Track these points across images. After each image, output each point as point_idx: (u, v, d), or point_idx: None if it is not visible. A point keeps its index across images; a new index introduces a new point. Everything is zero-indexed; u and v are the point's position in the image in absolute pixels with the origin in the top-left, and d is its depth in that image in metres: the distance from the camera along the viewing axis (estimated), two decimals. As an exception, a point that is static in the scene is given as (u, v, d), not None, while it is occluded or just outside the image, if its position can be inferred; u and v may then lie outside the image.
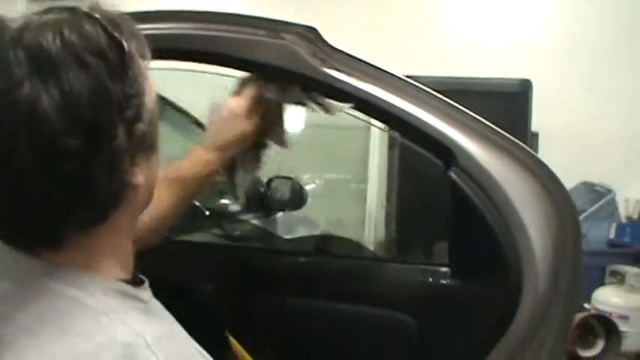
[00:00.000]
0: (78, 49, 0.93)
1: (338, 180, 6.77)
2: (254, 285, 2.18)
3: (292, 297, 2.10)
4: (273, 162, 5.56)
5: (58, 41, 0.92)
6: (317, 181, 6.24)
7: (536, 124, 5.83)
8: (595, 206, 5.69)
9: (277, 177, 4.00)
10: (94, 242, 1.03)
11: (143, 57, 1.05)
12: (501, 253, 1.67)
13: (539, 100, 5.75)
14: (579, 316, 4.20)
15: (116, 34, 0.99)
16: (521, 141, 5.19)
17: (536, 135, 5.97)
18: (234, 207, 4.14)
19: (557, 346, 1.73)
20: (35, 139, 0.89)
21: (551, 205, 1.67)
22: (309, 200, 4.39)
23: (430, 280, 1.92)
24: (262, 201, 3.94)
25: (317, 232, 4.84)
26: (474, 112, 4.98)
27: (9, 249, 1.03)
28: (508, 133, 5.26)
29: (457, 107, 1.73)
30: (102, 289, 1.00)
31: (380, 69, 1.81)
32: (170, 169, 1.73)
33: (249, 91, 1.81)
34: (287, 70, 1.81)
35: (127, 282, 1.07)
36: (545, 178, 1.68)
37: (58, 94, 0.89)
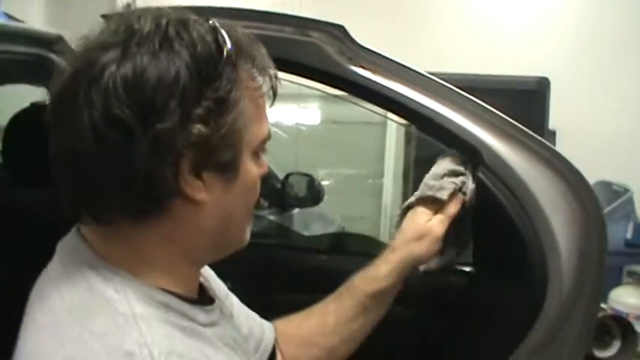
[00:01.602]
0: (170, 35, 0.98)
1: (354, 175, 6.78)
2: (271, 282, 2.19)
3: (311, 294, 2.11)
4: (291, 157, 5.58)
5: (153, 25, 0.99)
6: (333, 176, 6.25)
7: (553, 123, 5.83)
8: (612, 206, 5.66)
9: (294, 173, 4.01)
10: (143, 243, 1.05)
11: (253, 79, 1.10)
12: (527, 252, 1.67)
13: (556, 98, 5.75)
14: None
15: (223, 42, 1.03)
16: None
17: (553, 133, 5.96)
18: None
19: (578, 347, 1.74)
20: (97, 98, 0.94)
21: (577, 204, 1.67)
22: (325, 196, 4.41)
23: (454, 280, 1.93)
24: (279, 197, 3.95)
25: (333, 228, 4.86)
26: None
27: (75, 233, 1.09)
28: (526, 130, 5.24)
29: (483, 106, 1.73)
30: (136, 294, 1.02)
31: (407, 67, 1.81)
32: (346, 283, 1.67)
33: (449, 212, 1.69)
34: (314, 67, 1.81)
35: (181, 297, 1.09)
36: (571, 177, 1.68)
37: (132, 68, 0.95)
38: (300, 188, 3.95)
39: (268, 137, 1.16)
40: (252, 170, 1.12)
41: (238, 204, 1.12)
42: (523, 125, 5.35)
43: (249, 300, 2.18)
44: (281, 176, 4.02)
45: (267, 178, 4.03)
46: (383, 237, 6.60)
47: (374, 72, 1.77)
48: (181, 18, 1.03)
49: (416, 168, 5.71)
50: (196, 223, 1.07)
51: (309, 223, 4.34)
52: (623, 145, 6.21)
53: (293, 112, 6.22)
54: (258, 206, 1.20)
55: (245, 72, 1.07)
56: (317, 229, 4.52)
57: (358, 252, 2.64)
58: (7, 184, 2.72)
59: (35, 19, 5.96)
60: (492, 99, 5.67)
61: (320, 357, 1.61)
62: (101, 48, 0.97)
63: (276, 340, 1.57)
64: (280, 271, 2.22)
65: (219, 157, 1.04)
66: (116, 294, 1.01)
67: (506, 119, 1.72)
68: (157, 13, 1.02)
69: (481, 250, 1.84)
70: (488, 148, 1.69)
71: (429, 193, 1.67)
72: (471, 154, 1.72)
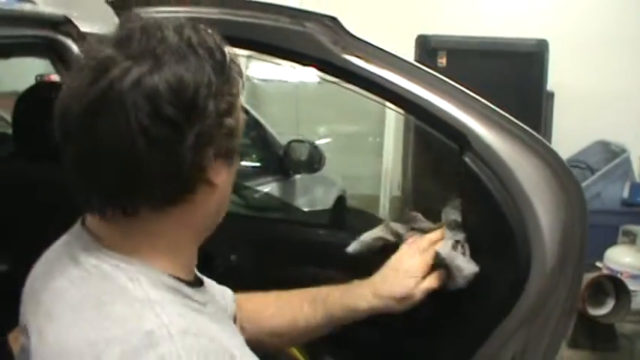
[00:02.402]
0: (193, 43, 1.11)
1: (355, 134, 6.83)
2: (274, 255, 2.28)
3: (309, 267, 2.20)
4: (291, 116, 5.63)
5: (177, 34, 1.11)
6: (334, 135, 6.31)
7: (552, 84, 5.89)
8: (609, 165, 5.74)
9: (295, 141, 4.09)
10: (162, 231, 1.16)
11: (240, 76, 1.22)
12: (511, 234, 1.76)
13: (554, 59, 5.80)
14: (590, 275, 4.26)
15: (224, 47, 1.17)
16: (537, 100, 5.28)
17: (552, 94, 6.02)
18: (255, 168, 4.27)
19: (562, 322, 1.84)
20: (142, 100, 1.05)
21: (560, 190, 1.75)
22: (327, 154, 4.50)
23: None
24: (280, 164, 4.05)
25: (335, 190, 4.95)
26: (491, 72, 5.05)
27: (79, 228, 1.19)
28: (524, 92, 5.34)
29: (472, 95, 1.81)
30: (150, 280, 1.12)
31: (398, 57, 1.89)
32: (323, 289, 1.79)
33: (428, 254, 1.78)
34: (309, 55, 1.90)
35: (184, 282, 1.20)
36: (555, 164, 1.76)
37: (171, 74, 1.06)
38: (300, 155, 4.03)
39: None
40: (237, 157, 1.26)
41: (230, 186, 1.26)
42: (522, 87, 5.42)
43: (251, 272, 2.29)
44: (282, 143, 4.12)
45: (270, 146, 4.13)
46: (383, 197, 6.70)
47: (367, 61, 1.84)
48: (195, 27, 1.16)
49: (416, 127, 5.76)
50: (208, 206, 1.20)
51: (311, 187, 4.43)
52: (621, 106, 6.27)
53: (292, 71, 6.26)
54: None
55: (235, 73, 1.20)
56: (319, 194, 4.62)
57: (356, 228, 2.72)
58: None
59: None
60: (491, 61, 5.75)
61: (262, 340, 1.69)
62: (132, 57, 1.07)
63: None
64: (284, 245, 2.31)
65: (232, 145, 1.18)
66: (130, 282, 1.11)
67: (494, 109, 1.79)
68: (175, 22, 1.15)
69: (468, 231, 1.92)
70: (475, 135, 1.77)
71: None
72: (458, 139, 1.80)
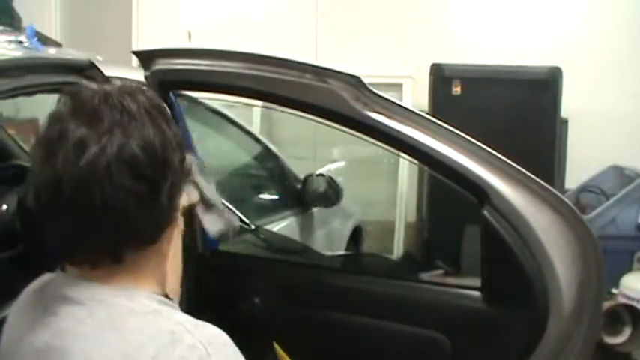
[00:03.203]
0: (147, 107, 1.22)
1: (370, 157, 6.85)
2: (295, 298, 2.34)
3: (330, 312, 2.26)
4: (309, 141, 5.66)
5: (134, 102, 1.21)
6: (348, 159, 6.34)
7: (565, 111, 5.93)
8: (624, 191, 5.73)
9: (313, 175, 4.15)
10: (145, 264, 1.26)
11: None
12: (530, 284, 1.83)
13: (568, 86, 5.84)
14: (607, 304, 4.28)
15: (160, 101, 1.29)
16: (551, 127, 5.29)
17: (565, 121, 6.06)
18: (274, 202, 4.34)
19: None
20: (124, 168, 1.15)
21: (575, 241, 1.82)
22: (340, 178, 4.56)
23: (464, 303, 2.08)
24: (299, 198, 4.11)
25: (352, 221, 5.01)
26: (505, 100, 5.07)
27: (67, 278, 1.26)
28: (538, 119, 5.34)
29: (490, 151, 1.87)
30: (146, 298, 1.23)
31: (418, 113, 1.95)
32: None
33: None
34: (332, 110, 1.97)
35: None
36: (570, 217, 1.83)
37: (141, 139, 1.17)
38: (319, 188, 4.08)
39: None
40: None
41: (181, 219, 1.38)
42: (536, 114, 5.42)
43: (275, 314, 2.35)
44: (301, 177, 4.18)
45: (288, 180, 4.18)
46: (399, 223, 6.72)
47: (388, 117, 1.91)
48: (143, 91, 1.27)
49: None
50: (177, 241, 1.34)
51: (328, 219, 4.48)
52: (634, 131, 6.29)
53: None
54: None
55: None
56: (337, 225, 4.68)
57: (378, 273, 2.80)
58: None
59: (53, 19, 6.06)
60: (505, 89, 5.77)
61: None
62: (105, 133, 1.16)
63: None
64: (305, 289, 2.36)
65: (185, 185, 1.32)
66: (132, 302, 1.21)
67: (513, 165, 1.85)
68: (127, 90, 1.25)
69: (488, 280, 1.99)
70: (495, 190, 1.84)
71: None
72: (477, 193, 1.87)
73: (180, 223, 1.34)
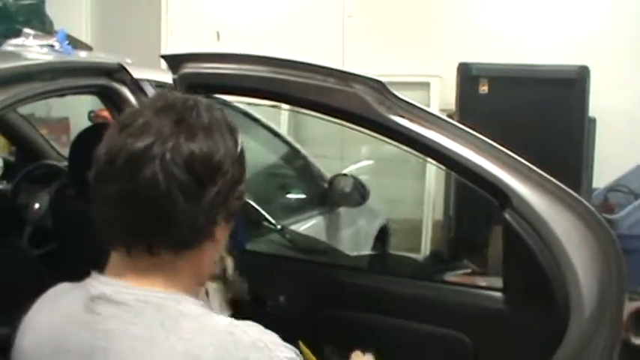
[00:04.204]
0: (220, 121, 1.31)
1: (397, 155, 6.84)
2: (321, 298, 2.38)
3: (355, 312, 2.30)
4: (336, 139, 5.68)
5: (210, 113, 1.30)
6: (375, 157, 6.35)
7: (593, 110, 5.92)
8: (652, 190, 5.72)
9: (340, 174, 4.19)
10: (178, 270, 1.29)
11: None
12: (551, 286, 1.85)
13: (596, 85, 5.83)
14: (634, 305, 4.26)
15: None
16: (579, 126, 5.28)
17: (593, 120, 6.04)
18: (301, 201, 4.38)
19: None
20: (179, 158, 1.22)
21: (596, 243, 1.84)
22: (367, 177, 4.59)
23: (486, 304, 2.11)
24: (325, 197, 4.15)
25: (378, 221, 5.03)
26: (533, 99, 5.07)
27: (106, 279, 1.29)
28: (566, 118, 5.33)
29: (511, 155, 1.89)
30: (192, 303, 1.28)
31: (440, 117, 1.98)
32: None
33: None
34: (356, 114, 2.00)
35: None
36: (590, 219, 1.85)
37: (204, 143, 1.24)
38: (345, 188, 4.12)
39: None
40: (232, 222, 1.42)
41: (224, 242, 1.40)
42: (564, 113, 5.40)
43: (301, 314, 2.39)
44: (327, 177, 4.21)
45: (315, 179, 4.21)
46: (426, 221, 6.73)
47: (411, 120, 1.94)
48: (219, 108, 1.34)
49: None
50: (211, 255, 1.35)
51: (355, 219, 4.51)
52: (663, 130, 6.25)
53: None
54: None
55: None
56: (363, 224, 4.70)
57: (403, 274, 2.83)
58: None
59: (83, 22, 6.13)
60: (533, 88, 5.75)
61: None
62: (174, 124, 1.24)
63: None
64: (330, 288, 2.40)
65: (235, 209, 1.33)
66: (180, 305, 1.25)
67: (531, 167, 1.88)
68: (206, 103, 1.33)
69: (509, 281, 2.01)
70: (517, 194, 1.87)
71: None
72: (498, 196, 1.90)
73: (219, 247, 1.36)
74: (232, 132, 1.32)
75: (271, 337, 1.23)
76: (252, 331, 1.22)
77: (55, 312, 1.34)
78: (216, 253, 1.38)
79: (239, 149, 1.32)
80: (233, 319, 1.25)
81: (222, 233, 1.32)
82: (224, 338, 1.19)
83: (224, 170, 1.26)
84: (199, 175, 1.23)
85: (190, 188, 1.22)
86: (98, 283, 1.29)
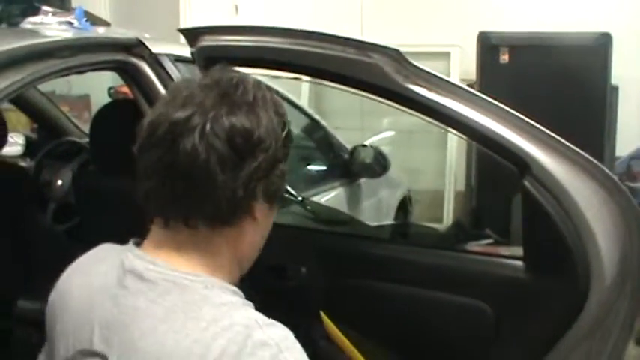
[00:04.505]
0: (268, 100, 1.31)
1: (418, 126, 6.84)
2: (342, 268, 2.39)
3: (377, 281, 2.30)
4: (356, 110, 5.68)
5: (260, 91, 1.30)
6: (396, 129, 6.34)
7: (615, 78, 5.87)
8: (675, 158, 5.69)
9: (361, 145, 4.19)
10: (216, 248, 1.30)
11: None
12: (571, 254, 1.85)
13: (618, 53, 5.78)
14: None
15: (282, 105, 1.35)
16: (601, 94, 5.26)
17: (616, 88, 5.99)
18: (322, 173, 4.39)
19: (622, 336, 1.92)
20: (220, 130, 1.22)
21: (616, 211, 1.84)
22: (389, 148, 4.58)
23: (506, 272, 2.11)
24: (346, 168, 4.16)
25: (400, 191, 5.04)
26: (554, 67, 5.02)
27: (141, 253, 1.31)
28: (588, 86, 5.30)
29: (531, 123, 1.88)
30: (221, 289, 1.27)
31: (458, 85, 1.98)
32: None
33: None
34: (375, 84, 2.00)
35: None
36: (612, 189, 1.84)
37: (246, 118, 1.24)
38: (366, 159, 4.12)
39: None
40: (277, 204, 1.40)
41: (269, 226, 1.39)
42: (586, 81, 5.37)
43: (323, 284, 2.40)
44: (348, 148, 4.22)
45: (335, 150, 4.22)
46: (448, 192, 6.73)
47: (429, 89, 1.94)
48: (268, 87, 1.33)
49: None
50: (252, 236, 1.34)
51: (376, 190, 4.52)
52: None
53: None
54: None
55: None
56: (384, 196, 4.71)
57: (423, 243, 2.82)
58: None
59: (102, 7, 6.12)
60: (555, 55, 5.71)
61: None
62: (219, 96, 1.25)
63: None
64: (351, 259, 2.41)
65: (277, 188, 1.32)
66: (207, 290, 1.25)
67: (553, 136, 1.87)
68: (254, 81, 1.32)
69: (530, 250, 2.01)
70: (536, 161, 1.86)
71: None
72: (518, 164, 1.89)
73: (262, 230, 1.35)
74: (279, 111, 1.32)
75: (289, 340, 1.21)
76: (272, 330, 1.20)
77: (90, 276, 1.36)
78: (259, 237, 1.36)
79: (285, 130, 1.32)
80: (265, 316, 1.23)
81: (262, 213, 1.30)
82: (238, 331, 1.18)
83: (265, 146, 1.26)
84: (239, 148, 1.23)
85: (229, 161, 1.22)
86: (133, 257, 1.30)
